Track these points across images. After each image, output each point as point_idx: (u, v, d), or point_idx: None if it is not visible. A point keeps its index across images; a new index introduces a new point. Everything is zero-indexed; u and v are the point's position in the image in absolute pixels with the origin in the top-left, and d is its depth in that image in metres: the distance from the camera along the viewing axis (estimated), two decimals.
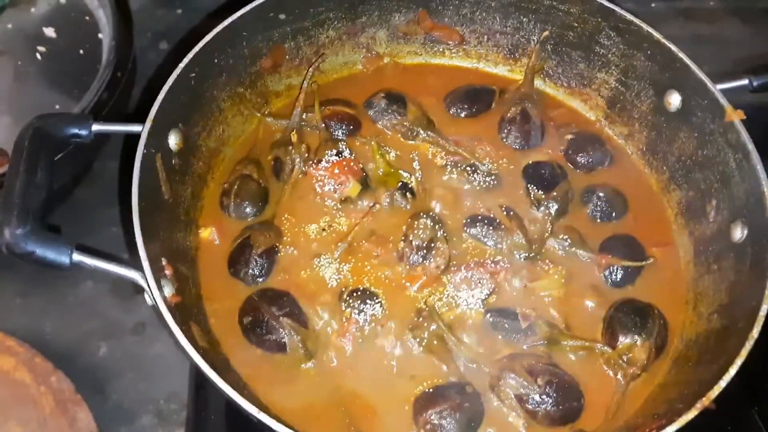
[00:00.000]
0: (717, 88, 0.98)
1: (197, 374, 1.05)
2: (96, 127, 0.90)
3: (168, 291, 0.84)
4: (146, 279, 0.81)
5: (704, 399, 0.78)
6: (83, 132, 0.89)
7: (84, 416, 0.99)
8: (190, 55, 0.97)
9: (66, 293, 1.14)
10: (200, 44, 0.98)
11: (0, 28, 1.31)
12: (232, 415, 1.01)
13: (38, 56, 1.28)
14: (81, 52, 1.28)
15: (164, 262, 0.87)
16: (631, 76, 1.10)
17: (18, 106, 1.21)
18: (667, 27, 1.08)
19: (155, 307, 0.81)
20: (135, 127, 0.91)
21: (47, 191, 0.84)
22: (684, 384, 0.88)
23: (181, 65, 0.96)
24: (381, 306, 0.94)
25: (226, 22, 1.01)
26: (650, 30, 1.04)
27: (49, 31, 1.30)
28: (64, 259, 0.81)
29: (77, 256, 0.82)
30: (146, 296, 0.83)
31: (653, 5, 1.54)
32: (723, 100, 0.97)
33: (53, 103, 1.21)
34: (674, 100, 1.04)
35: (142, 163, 0.87)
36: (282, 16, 1.08)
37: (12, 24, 1.32)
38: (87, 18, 1.32)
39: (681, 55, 1.01)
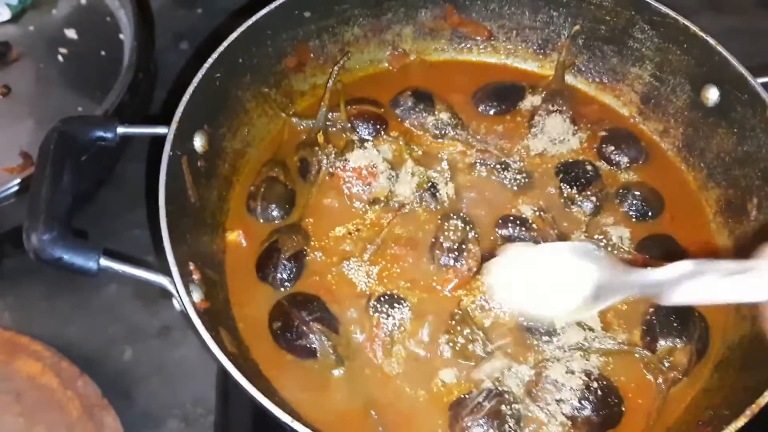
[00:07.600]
0: (758, 82, 0.96)
1: (224, 379, 1.04)
2: (121, 130, 0.89)
3: (197, 296, 0.83)
4: (175, 284, 0.79)
5: (753, 406, 0.75)
6: (108, 135, 0.88)
7: (111, 421, 0.98)
8: (214, 56, 0.95)
9: (90, 297, 1.13)
10: (224, 44, 0.97)
11: (21, 31, 1.31)
12: (259, 421, 0.99)
13: (60, 58, 1.27)
14: (102, 53, 1.27)
15: (192, 266, 0.86)
16: (666, 71, 1.07)
17: (40, 109, 1.21)
18: (697, 19, 1.04)
19: (184, 313, 0.80)
20: (160, 129, 0.89)
21: (73, 195, 0.83)
22: (728, 389, 0.86)
23: (206, 66, 0.95)
24: (410, 310, 0.92)
25: (250, 21, 0.99)
26: (687, 23, 1.01)
27: (71, 33, 1.30)
28: (92, 265, 0.79)
29: (104, 262, 0.80)
30: (174, 302, 0.81)
31: None
32: (764, 94, 0.95)
33: (75, 105, 1.20)
34: (712, 94, 1.02)
35: (168, 166, 0.86)
36: (307, 14, 1.06)
37: (33, 26, 1.32)
38: (108, 19, 1.31)
39: (719, 48, 0.99)
